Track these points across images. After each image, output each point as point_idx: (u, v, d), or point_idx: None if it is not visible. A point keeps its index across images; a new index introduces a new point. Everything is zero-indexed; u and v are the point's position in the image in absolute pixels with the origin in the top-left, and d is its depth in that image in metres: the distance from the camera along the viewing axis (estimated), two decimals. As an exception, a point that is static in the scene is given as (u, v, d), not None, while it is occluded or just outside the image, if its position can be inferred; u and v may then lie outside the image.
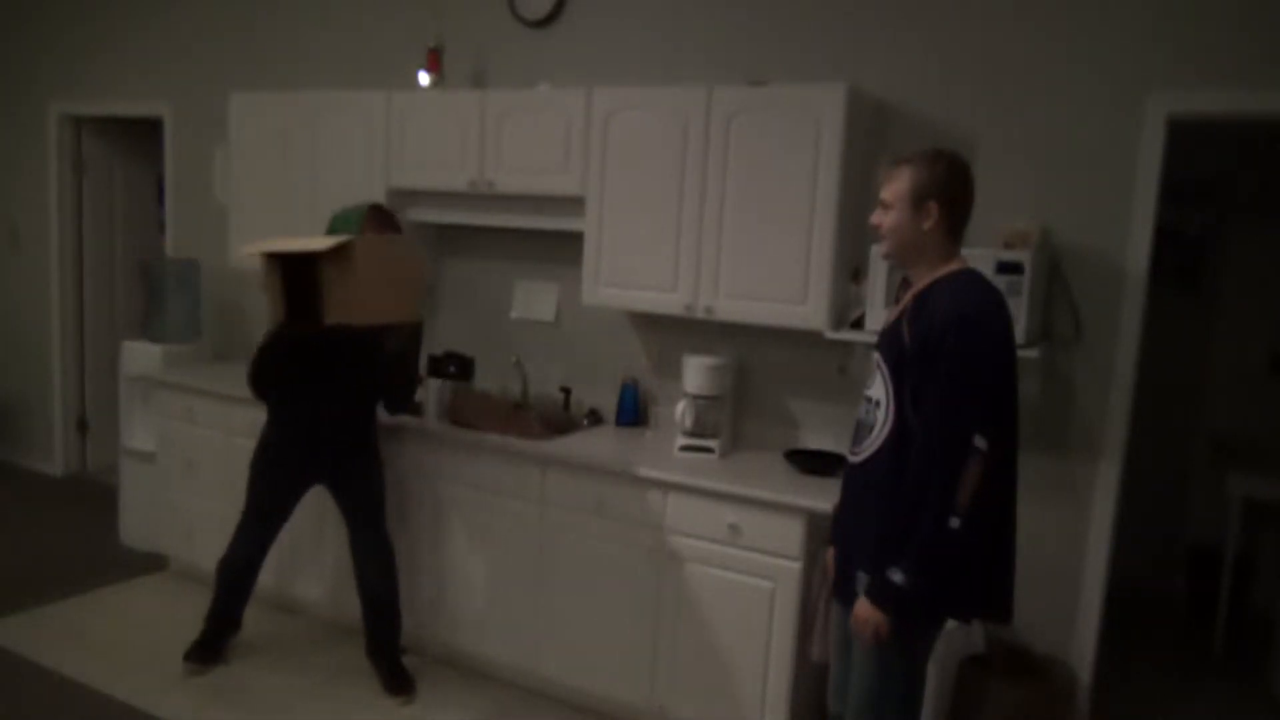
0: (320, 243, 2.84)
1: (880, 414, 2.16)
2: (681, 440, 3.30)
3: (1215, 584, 4.17)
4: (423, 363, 3.54)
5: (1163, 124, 2.88)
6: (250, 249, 2.95)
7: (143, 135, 5.53)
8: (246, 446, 3.69)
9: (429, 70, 3.92)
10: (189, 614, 3.76)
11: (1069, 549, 3.08)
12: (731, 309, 3.20)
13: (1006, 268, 2.74)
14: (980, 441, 1.99)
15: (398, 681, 3.39)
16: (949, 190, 2.13)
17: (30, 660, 3.50)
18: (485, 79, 4.00)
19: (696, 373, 3.27)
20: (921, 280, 2.17)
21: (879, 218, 2.20)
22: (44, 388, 5.76)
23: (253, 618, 3.66)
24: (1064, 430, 3.07)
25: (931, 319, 2.06)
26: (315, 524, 3.75)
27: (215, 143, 4.81)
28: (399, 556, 3.47)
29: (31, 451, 5.89)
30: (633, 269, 3.36)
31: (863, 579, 2.16)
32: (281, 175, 4.13)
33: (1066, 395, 3.06)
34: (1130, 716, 3.54)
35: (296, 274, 2.90)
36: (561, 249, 3.81)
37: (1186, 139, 3.08)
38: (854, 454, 2.26)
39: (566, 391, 3.84)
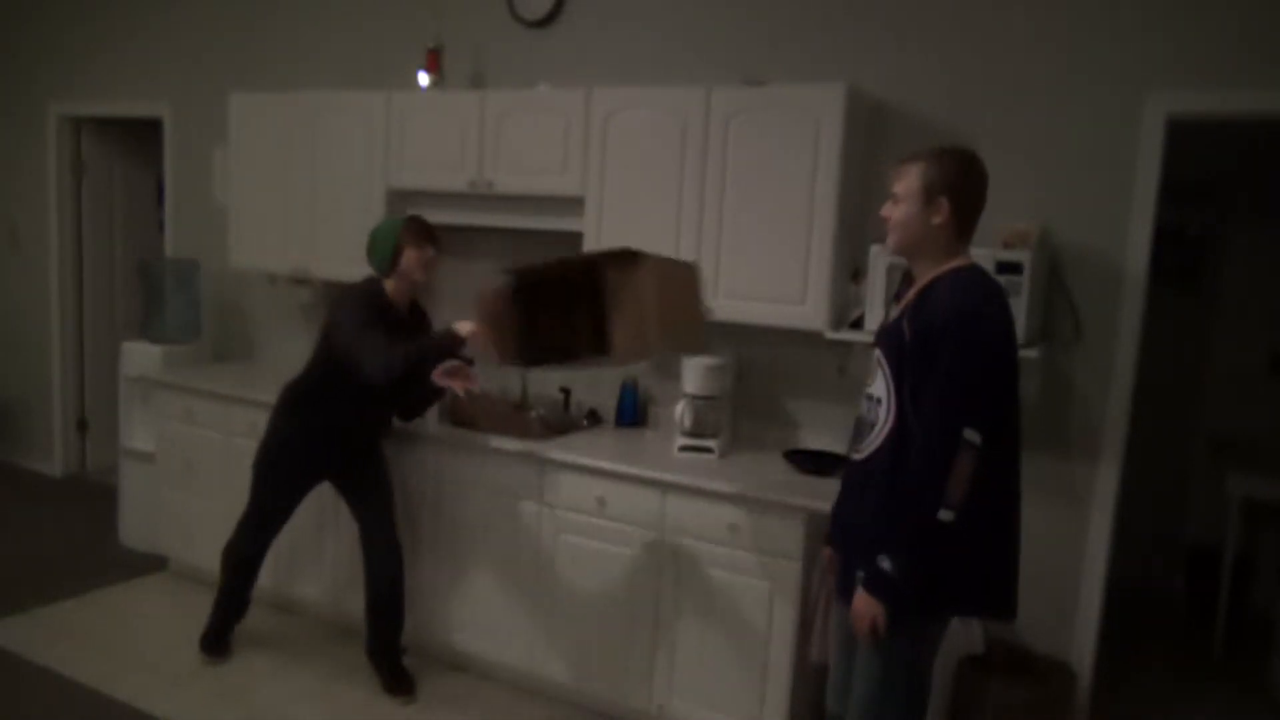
0: (582, 258, 2.46)
1: (881, 411, 2.16)
2: (681, 440, 3.30)
3: (1215, 584, 4.17)
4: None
5: (1162, 124, 2.88)
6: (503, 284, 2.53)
7: (142, 136, 5.53)
8: (246, 446, 3.68)
9: (428, 70, 3.92)
10: (189, 614, 3.77)
11: (1069, 549, 3.08)
12: (731, 309, 3.20)
13: (1006, 268, 2.74)
14: (972, 435, 1.99)
15: (398, 682, 3.39)
16: (961, 187, 2.12)
17: (30, 660, 3.50)
18: (484, 79, 4.00)
19: (696, 373, 3.27)
20: (925, 276, 2.17)
21: (889, 210, 2.19)
22: (44, 388, 5.76)
23: (252, 617, 3.66)
24: (1064, 430, 3.07)
25: (933, 315, 2.06)
26: (315, 524, 3.75)
27: (215, 143, 4.81)
28: (402, 556, 3.47)
29: (31, 452, 5.89)
30: (632, 269, 3.35)
31: (862, 575, 2.16)
32: (281, 176, 4.13)
33: (1066, 395, 3.06)
34: (1130, 716, 3.53)
35: (540, 306, 2.52)
36: (561, 249, 3.80)
37: (1186, 139, 3.08)
38: (856, 452, 2.26)
39: (566, 392, 3.84)
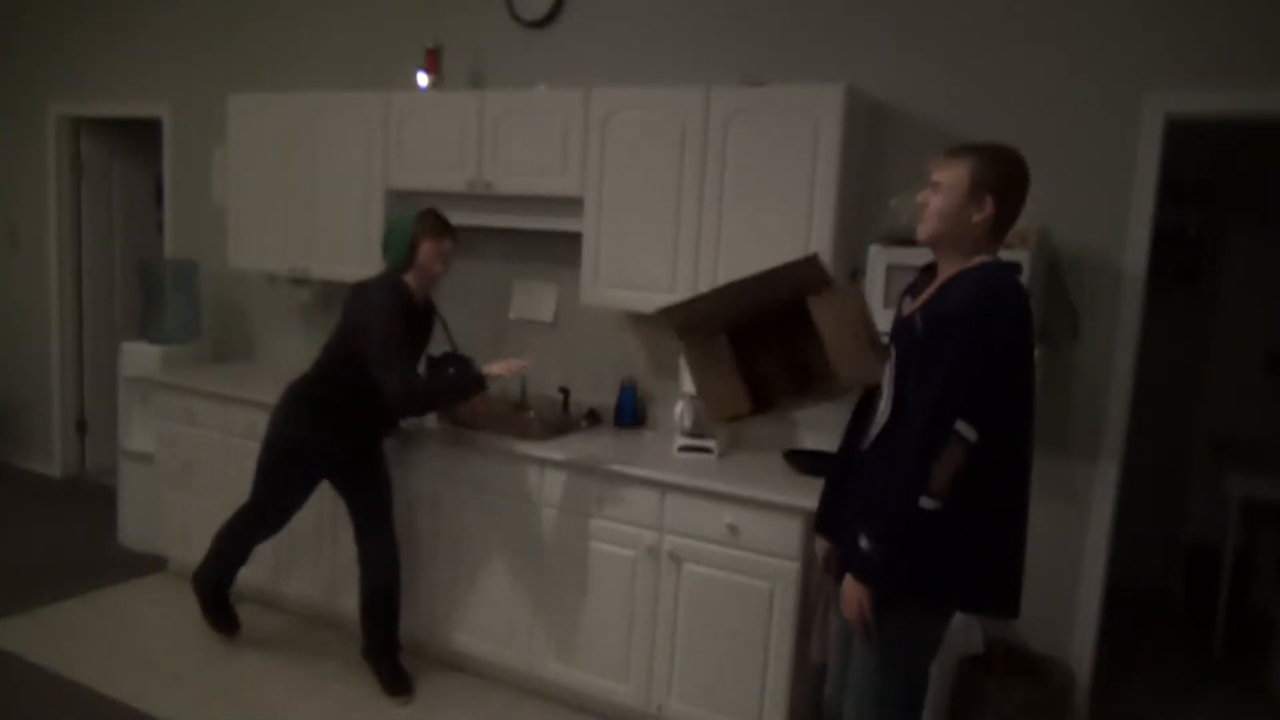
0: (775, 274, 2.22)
1: (881, 403, 2.17)
2: (680, 440, 3.31)
3: (1214, 584, 4.17)
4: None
5: (1161, 124, 2.89)
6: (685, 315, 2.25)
7: (142, 136, 5.53)
8: (245, 447, 3.69)
9: (427, 71, 3.92)
10: (188, 614, 3.77)
11: (1068, 549, 3.08)
12: (730, 309, 3.20)
13: (1005, 268, 2.74)
14: (965, 429, 1.98)
15: (397, 682, 3.39)
16: (1008, 189, 2.10)
17: (29, 660, 3.50)
18: (483, 80, 4.00)
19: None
20: (949, 270, 2.15)
21: (927, 198, 2.15)
22: (43, 389, 5.76)
23: (252, 617, 3.67)
24: (1063, 430, 3.07)
25: (946, 306, 2.06)
26: (314, 523, 3.75)
27: (214, 144, 4.81)
28: (399, 555, 3.47)
29: (30, 452, 5.89)
30: (631, 269, 3.36)
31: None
32: (280, 176, 4.13)
33: (1065, 395, 3.07)
34: (1129, 716, 3.53)
35: (745, 344, 2.34)
36: (560, 249, 3.82)
37: (1185, 139, 3.09)
38: (857, 442, 2.29)
39: (565, 392, 3.84)
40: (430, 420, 3.55)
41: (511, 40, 3.94)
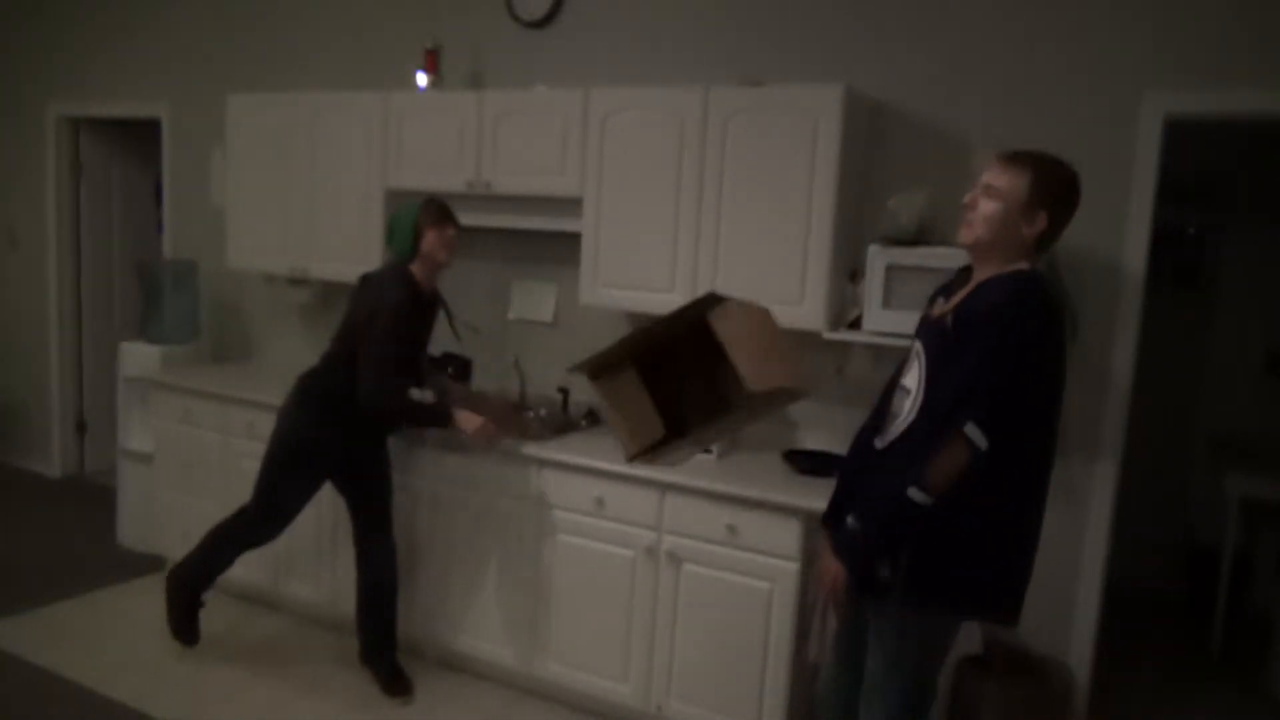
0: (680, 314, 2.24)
1: (907, 404, 2.13)
2: (679, 441, 3.30)
3: (1213, 584, 4.17)
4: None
5: (1160, 124, 2.89)
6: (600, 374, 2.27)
7: (141, 136, 5.52)
8: (245, 447, 3.69)
9: (427, 71, 3.92)
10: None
11: (1067, 549, 3.08)
12: (729, 309, 3.20)
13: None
14: (976, 434, 1.95)
15: (395, 682, 3.39)
16: (1063, 205, 2.08)
17: (28, 661, 3.50)
18: (483, 80, 4.00)
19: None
20: (983, 274, 2.11)
21: (976, 198, 2.11)
22: (42, 389, 5.76)
23: (251, 617, 3.66)
24: (1062, 430, 3.06)
25: (977, 306, 2.03)
26: (314, 524, 3.75)
27: (213, 144, 4.81)
28: (397, 556, 3.46)
29: (29, 453, 5.89)
30: (630, 269, 3.36)
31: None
32: (279, 176, 4.13)
33: (1065, 395, 3.06)
34: (1128, 716, 3.53)
35: (653, 373, 2.33)
36: (559, 249, 3.81)
37: (1185, 139, 3.08)
38: (877, 442, 2.25)
39: (565, 392, 3.83)
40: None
41: (511, 40, 3.94)
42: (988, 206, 2.08)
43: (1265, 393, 4.65)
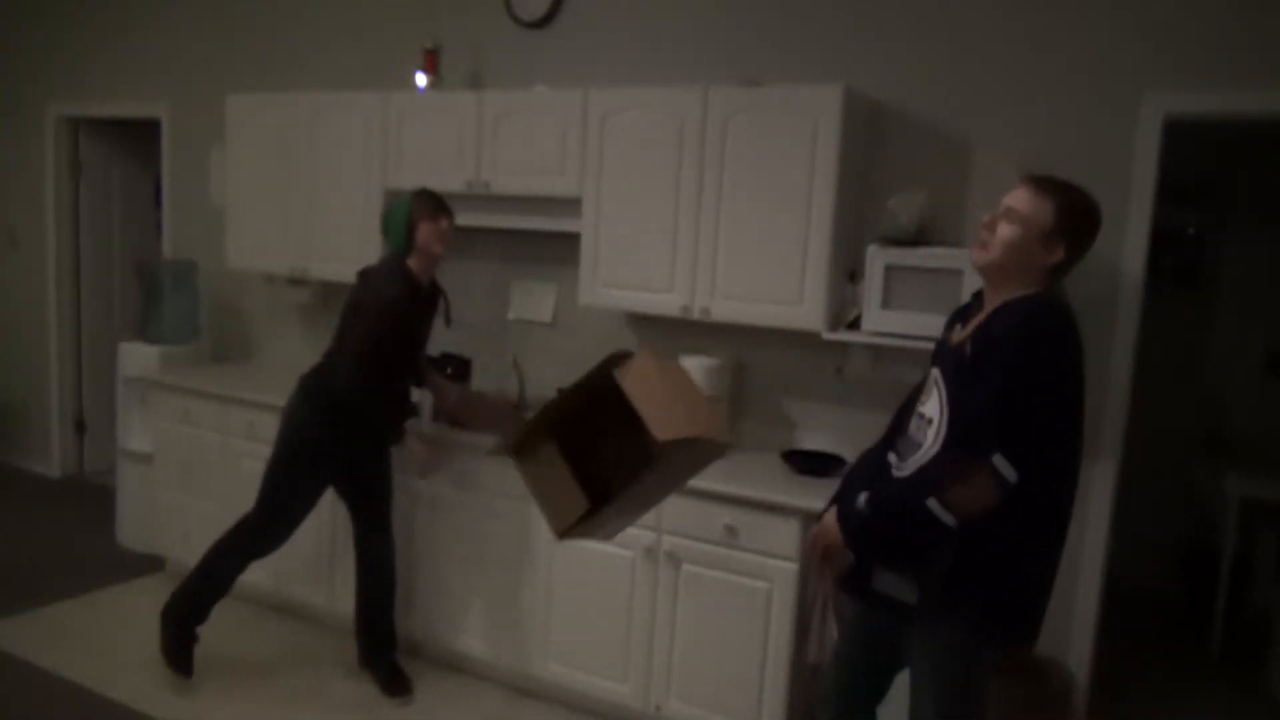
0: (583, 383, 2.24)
1: (930, 433, 2.08)
2: (678, 441, 3.30)
3: (1213, 584, 4.17)
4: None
5: (1159, 124, 2.88)
6: (525, 450, 2.27)
7: (140, 136, 5.52)
8: (244, 448, 3.68)
9: (426, 71, 3.92)
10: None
11: (1067, 549, 3.05)
12: (728, 310, 3.20)
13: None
14: (1005, 466, 1.90)
15: (395, 683, 3.39)
16: (1083, 239, 2.05)
17: (27, 661, 3.50)
18: (482, 80, 4.00)
19: (693, 373, 3.26)
20: (997, 299, 2.07)
21: (996, 220, 2.06)
22: (41, 389, 5.76)
23: (250, 618, 3.66)
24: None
25: (994, 331, 1.99)
26: (314, 525, 3.74)
27: (213, 144, 4.80)
28: (396, 557, 3.46)
29: (29, 453, 5.89)
30: (629, 270, 3.35)
31: (880, 575, 2.12)
32: (279, 177, 4.13)
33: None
34: (1127, 716, 3.54)
35: (571, 441, 2.31)
36: (558, 250, 3.81)
37: (1184, 139, 3.08)
38: (897, 468, 2.19)
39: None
40: (427, 421, 3.55)
41: (510, 40, 3.94)
42: (1006, 230, 2.04)
43: (1265, 393, 4.65)
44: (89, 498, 5.40)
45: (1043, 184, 2.06)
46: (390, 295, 3.12)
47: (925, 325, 2.87)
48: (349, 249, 3.92)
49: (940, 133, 3.16)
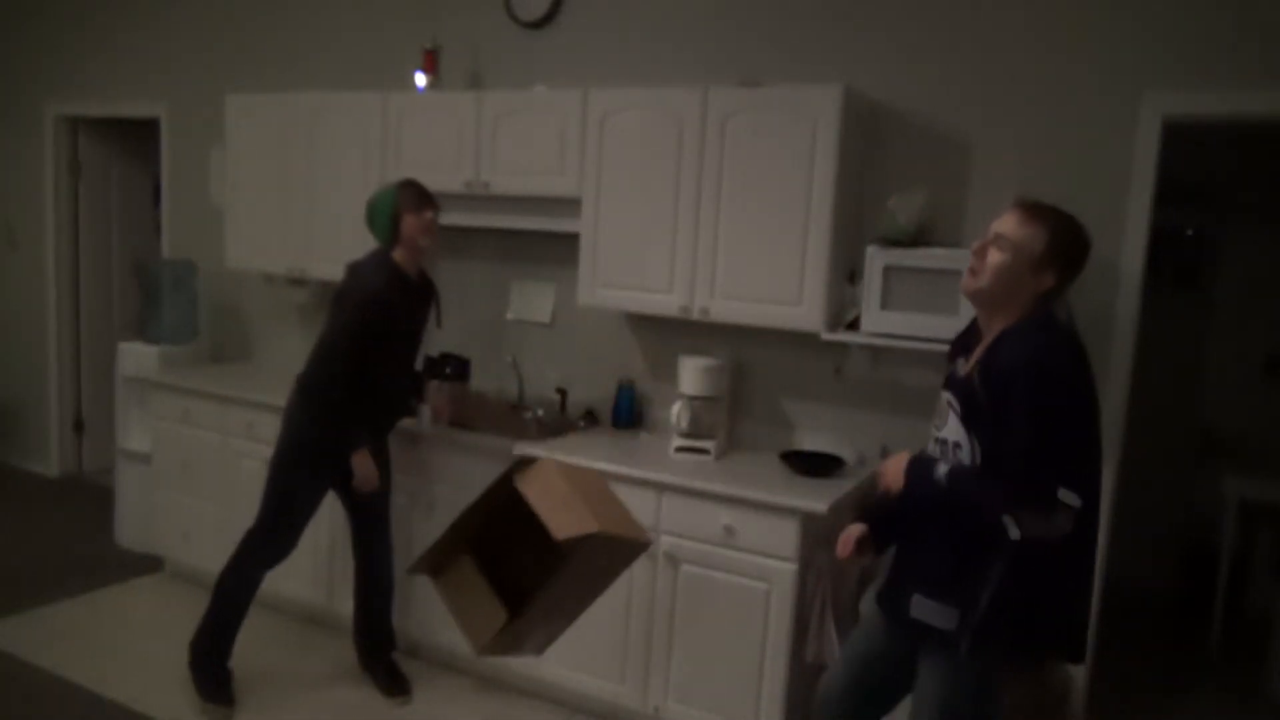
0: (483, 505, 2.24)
1: (964, 457, 2.05)
2: (677, 441, 3.30)
3: (1211, 584, 4.17)
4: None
5: (1158, 125, 2.88)
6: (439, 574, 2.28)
7: (139, 136, 5.51)
8: (243, 448, 3.68)
9: (426, 71, 3.92)
10: (185, 615, 3.74)
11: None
12: (727, 310, 3.20)
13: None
14: (1069, 496, 1.90)
15: (394, 683, 3.39)
16: (1072, 266, 2.05)
17: (25, 661, 3.50)
18: (482, 80, 4.00)
19: (692, 374, 3.27)
20: (995, 329, 2.07)
21: (985, 246, 2.06)
22: (40, 389, 5.75)
23: (250, 619, 3.64)
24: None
25: (1002, 364, 1.98)
26: (312, 526, 3.73)
27: (211, 144, 4.80)
28: (395, 557, 3.46)
29: (27, 452, 5.89)
30: (628, 270, 3.35)
31: (920, 601, 2.09)
32: (278, 177, 4.13)
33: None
34: (1126, 716, 3.54)
35: (483, 552, 2.31)
36: (557, 250, 3.81)
37: (1184, 140, 3.08)
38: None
39: (563, 393, 3.83)
40: (426, 421, 3.54)
41: (510, 41, 3.94)
42: (996, 257, 2.03)
43: (1264, 393, 4.65)
44: (88, 498, 5.39)
45: (1032, 210, 2.05)
46: (373, 287, 3.10)
47: (924, 326, 2.88)
48: (348, 249, 3.88)
49: (940, 133, 3.16)
